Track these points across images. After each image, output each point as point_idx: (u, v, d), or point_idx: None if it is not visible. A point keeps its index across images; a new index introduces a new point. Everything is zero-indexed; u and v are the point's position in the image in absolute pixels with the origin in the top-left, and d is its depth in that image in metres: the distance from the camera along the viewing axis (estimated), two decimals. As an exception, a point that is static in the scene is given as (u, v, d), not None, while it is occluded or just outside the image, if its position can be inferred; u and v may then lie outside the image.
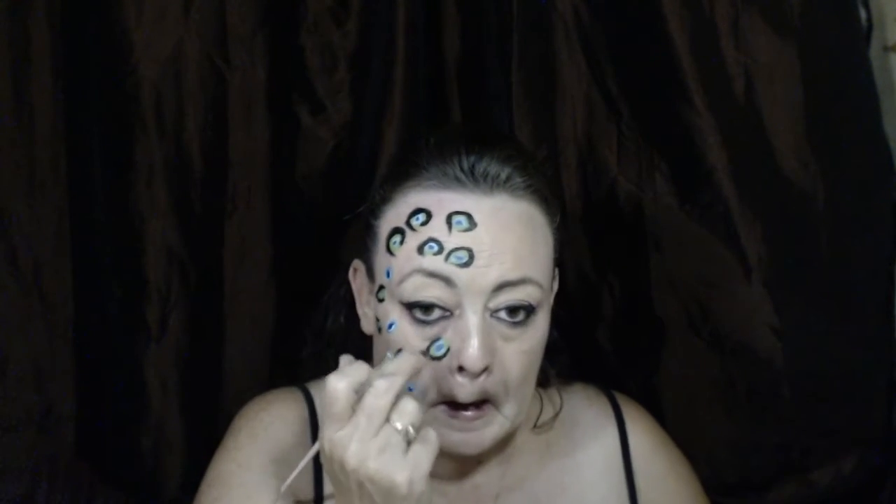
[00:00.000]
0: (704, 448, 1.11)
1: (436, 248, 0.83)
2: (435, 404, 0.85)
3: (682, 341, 1.11)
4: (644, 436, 1.00)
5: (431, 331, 0.84)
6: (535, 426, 0.97)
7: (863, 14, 1.09)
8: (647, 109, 1.09)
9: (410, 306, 0.84)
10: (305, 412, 0.95)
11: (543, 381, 0.98)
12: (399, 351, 0.82)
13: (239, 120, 1.11)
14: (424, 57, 1.11)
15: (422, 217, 0.85)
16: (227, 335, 1.14)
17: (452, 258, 0.83)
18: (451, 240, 0.83)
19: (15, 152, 1.12)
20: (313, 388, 0.97)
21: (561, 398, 1.00)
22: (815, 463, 1.12)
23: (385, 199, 0.89)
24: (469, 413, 0.85)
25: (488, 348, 0.83)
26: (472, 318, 0.83)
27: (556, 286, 0.93)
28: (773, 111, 1.06)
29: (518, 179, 0.87)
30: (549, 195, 0.90)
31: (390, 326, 0.86)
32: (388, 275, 0.86)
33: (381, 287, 0.87)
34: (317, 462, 0.88)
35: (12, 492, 1.14)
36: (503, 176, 0.86)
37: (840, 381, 1.10)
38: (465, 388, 0.83)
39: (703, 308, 1.10)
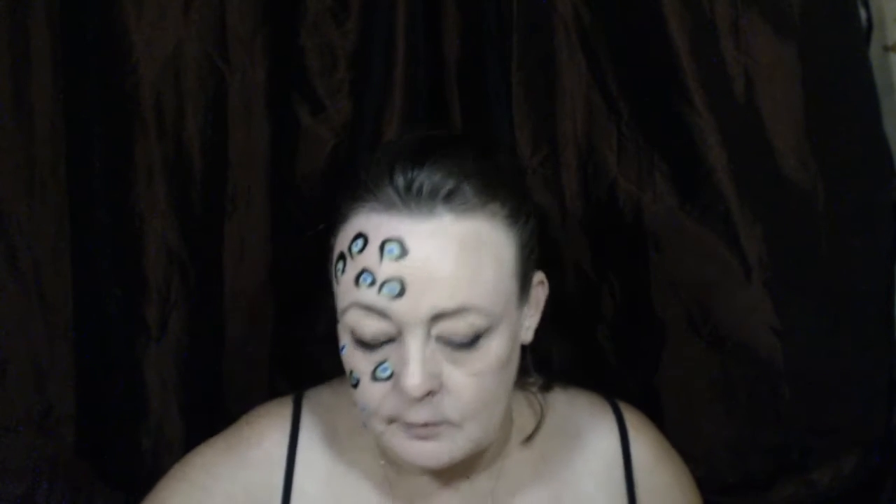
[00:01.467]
0: (704, 448, 1.11)
1: (369, 279, 0.81)
2: (389, 422, 0.84)
3: (682, 341, 1.11)
4: (647, 447, 0.97)
5: (376, 355, 0.83)
6: (527, 440, 0.95)
7: (863, 14, 1.09)
8: (647, 109, 1.09)
9: (353, 334, 0.84)
10: (288, 429, 0.96)
11: (545, 387, 0.97)
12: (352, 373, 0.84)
13: (239, 120, 1.11)
14: (424, 57, 1.11)
15: (360, 243, 0.82)
16: (227, 335, 1.14)
17: (385, 290, 0.80)
18: (383, 270, 0.80)
19: (15, 152, 1.12)
20: (306, 400, 0.98)
21: (551, 408, 0.97)
22: (815, 463, 1.12)
23: (340, 217, 0.86)
24: (421, 428, 0.83)
25: (428, 374, 0.81)
26: (412, 345, 0.81)
27: (544, 291, 0.91)
28: (773, 111, 1.06)
29: (461, 196, 0.82)
30: (513, 201, 0.85)
31: (342, 349, 0.85)
32: (336, 297, 0.85)
33: (336, 305, 0.86)
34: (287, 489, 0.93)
35: (12, 492, 1.14)
36: (442, 193, 0.81)
37: (840, 381, 1.11)
38: (413, 411, 0.82)
39: (703, 308, 1.10)
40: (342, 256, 0.84)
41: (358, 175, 0.86)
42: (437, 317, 0.80)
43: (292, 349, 1.15)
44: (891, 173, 1.11)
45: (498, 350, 0.83)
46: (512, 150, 1.09)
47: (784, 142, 1.06)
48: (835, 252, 1.08)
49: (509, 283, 0.84)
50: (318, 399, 0.98)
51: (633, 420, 0.98)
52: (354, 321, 0.82)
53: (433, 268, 0.80)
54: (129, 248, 1.10)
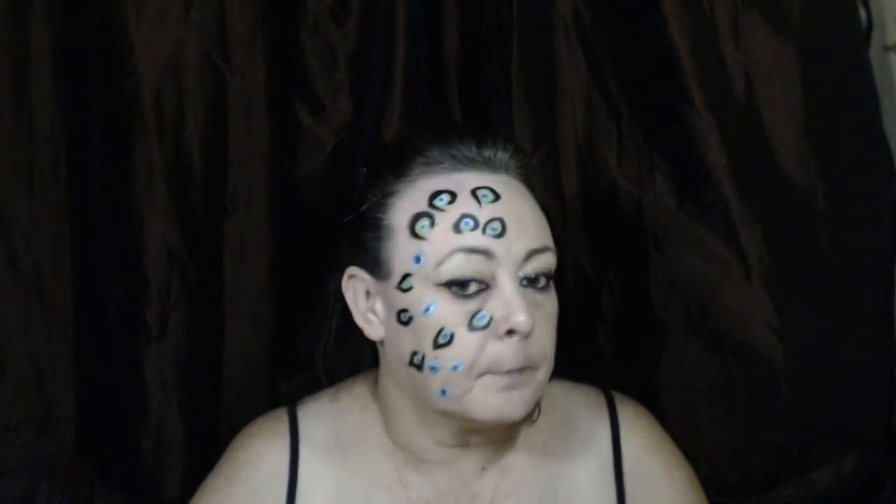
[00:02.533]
0: (704, 448, 1.11)
1: (471, 223, 0.85)
2: (480, 375, 0.85)
3: (682, 341, 1.11)
4: (637, 437, 0.98)
5: (471, 304, 0.85)
6: (533, 420, 0.95)
7: (863, 14, 1.10)
8: (647, 109, 1.09)
9: (449, 284, 0.85)
10: (287, 442, 0.95)
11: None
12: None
13: (239, 120, 1.11)
14: (424, 57, 1.11)
15: (446, 197, 0.86)
16: (227, 335, 1.14)
17: (489, 230, 0.85)
18: (484, 212, 0.85)
19: (15, 152, 1.12)
20: (302, 412, 0.97)
21: (551, 398, 0.97)
22: (815, 463, 1.12)
23: (390, 193, 0.89)
24: (517, 374, 0.86)
25: (530, 311, 0.84)
26: (511, 285, 0.85)
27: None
28: (773, 111, 1.06)
29: (515, 162, 0.90)
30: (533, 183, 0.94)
31: (426, 310, 0.85)
32: (417, 261, 0.86)
33: (406, 276, 0.86)
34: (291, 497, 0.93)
35: (12, 492, 1.14)
36: (504, 159, 0.90)
37: (840, 381, 1.10)
38: (512, 353, 0.84)
39: (703, 308, 1.10)
40: (423, 215, 0.86)
41: (402, 151, 0.90)
42: (530, 255, 0.86)
43: (292, 349, 1.15)
44: (891, 173, 1.11)
45: (554, 297, 0.90)
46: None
47: (784, 142, 1.06)
48: (835, 252, 1.08)
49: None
50: (315, 408, 0.97)
51: (627, 411, 0.99)
52: (456, 265, 0.85)
53: (522, 210, 0.87)
54: (129, 248, 1.10)
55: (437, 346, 0.85)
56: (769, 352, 1.08)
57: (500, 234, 0.85)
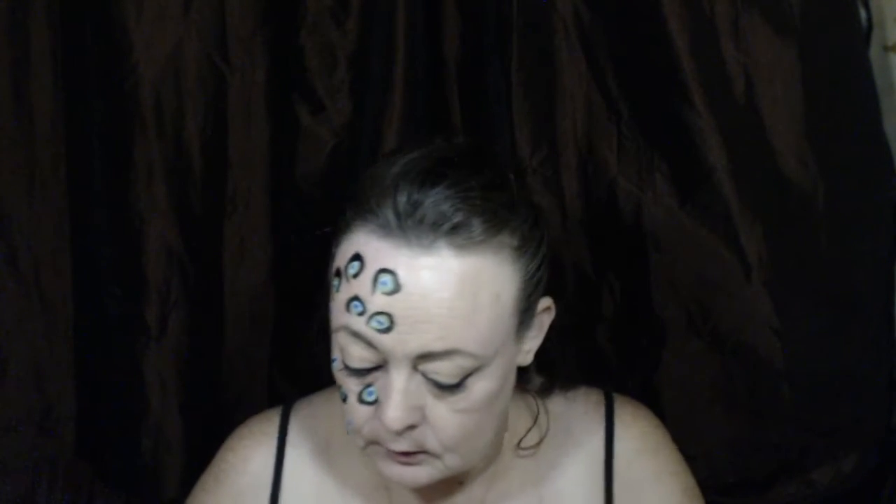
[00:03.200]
0: (704, 448, 1.11)
1: (360, 307, 0.78)
2: (370, 443, 0.83)
3: (682, 341, 1.11)
4: (631, 440, 0.94)
5: (365, 378, 0.81)
6: (519, 446, 0.93)
7: (863, 14, 1.09)
8: (647, 109, 1.09)
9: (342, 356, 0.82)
10: (274, 445, 0.94)
11: (544, 391, 0.96)
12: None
13: (239, 120, 1.11)
14: (424, 57, 1.11)
15: (356, 266, 0.78)
16: (227, 335, 1.14)
17: (373, 322, 0.77)
18: (374, 301, 0.77)
19: (15, 152, 1.12)
20: (295, 412, 0.96)
21: (547, 412, 0.95)
22: (815, 463, 1.12)
23: (343, 226, 0.83)
24: (401, 455, 0.82)
25: (410, 409, 0.79)
26: (396, 378, 0.78)
27: (549, 316, 0.88)
28: (773, 111, 1.06)
29: (467, 230, 0.77)
30: (523, 230, 0.81)
31: (333, 362, 0.83)
32: (330, 311, 0.83)
33: (329, 317, 0.84)
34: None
35: (12, 492, 1.14)
36: (447, 226, 0.77)
37: (840, 381, 1.10)
38: (393, 441, 0.81)
39: (703, 308, 1.10)
40: (339, 273, 0.81)
41: (363, 183, 0.82)
42: (424, 356, 0.78)
43: (292, 349, 1.15)
44: (891, 173, 1.11)
45: (486, 388, 0.81)
46: (512, 150, 1.09)
47: (784, 142, 1.06)
48: (835, 252, 1.08)
49: (507, 322, 0.81)
50: (309, 410, 0.97)
51: (624, 413, 0.95)
52: (343, 344, 0.80)
53: (425, 307, 0.76)
54: (129, 248, 1.10)
55: (341, 397, 0.84)
56: (769, 352, 1.08)
57: (386, 330, 0.77)
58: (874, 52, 1.11)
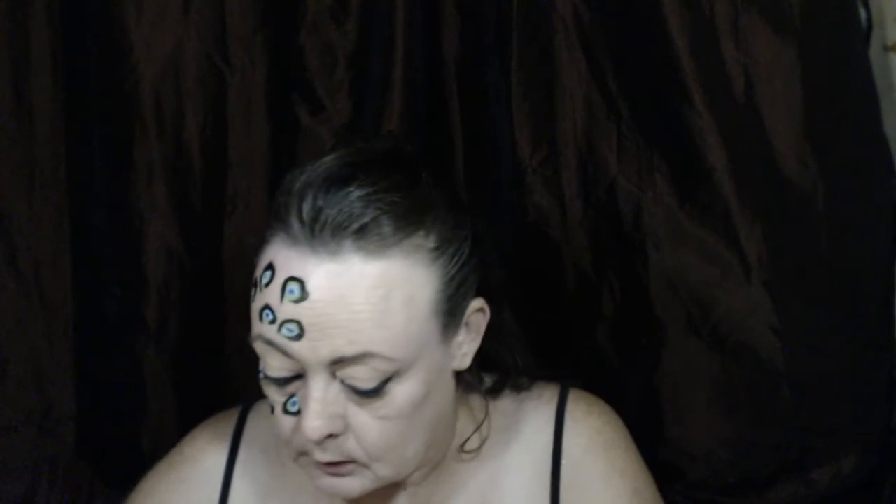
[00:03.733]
0: (704, 448, 1.11)
1: (270, 316, 0.77)
2: (299, 455, 0.82)
3: (682, 341, 1.11)
4: (579, 438, 0.90)
5: (287, 388, 0.80)
6: (462, 449, 0.91)
7: (863, 14, 1.09)
8: (647, 109, 1.09)
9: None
10: (228, 443, 0.95)
11: (493, 392, 0.94)
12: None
13: (239, 120, 1.11)
14: (424, 57, 1.11)
15: (267, 276, 0.78)
16: (227, 335, 1.14)
17: (284, 330, 0.77)
18: (283, 310, 0.77)
19: (15, 152, 1.12)
20: (254, 411, 0.96)
21: (496, 412, 0.92)
22: (815, 463, 1.12)
23: (265, 238, 0.82)
24: (329, 466, 0.81)
25: (329, 417, 0.78)
26: (312, 387, 0.78)
27: (484, 318, 0.86)
28: (773, 111, 1.06)
29: (374, 232, 0.77)
30: (441, 230, 0.80)
31: (259, 372, 0.82)
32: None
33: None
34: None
35: (12, 492, 1.14)
36: (351, 229, 0.76)
37: (840, 381, 1.10)
38: (318, 451, 0.80)
39: (703, 308, 1.10)
40: (255, 283, 0.80)
41: (278, 193, 0.82)
42: (337, 362, 0.77)
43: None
44: (891, 173, 1.11)
45: (408, 394, 0.79)
46: (512, 150, 1.09)
47: (784, 142, 1.06)
48: (835, 252, 1.08)
49: (426, 324, 0.80)
50: (266, 411, 0.92)
51: (576, 410, 0.92)
52: (261, 353, 0.80)
53: (333, 312, 0.76)
54: (129, 248, 1.10)
55: (269, 406, 0.83)
56: (769, 352, 1.08)
57: (297, 338, 0.76)
58: (874, 52, 1.11)
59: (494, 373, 0.95)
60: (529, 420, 0.92)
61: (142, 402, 1.12)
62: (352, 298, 0.76)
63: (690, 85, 1.04)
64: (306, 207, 0.77)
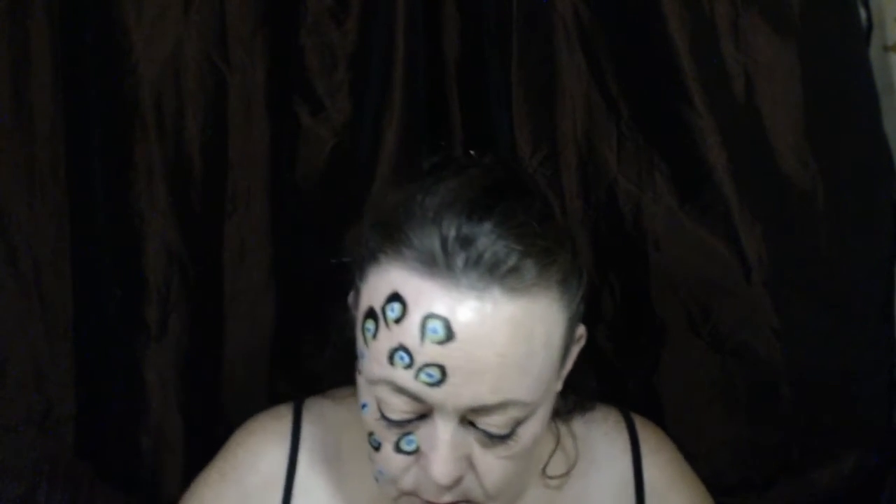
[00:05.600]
0: (704, 448, 1.11)
1: (406, 360, 0.70)
2: (405, 493, 0.77)
3: (682, 341, 1.11)
4: (661, 469, 0.90)
5: (404, 427, 0.75)
6: (543, 472, 0.87)
7: (863, 14, 1.09)
8: (647, 109, 1.09)
9: (378, 406, 0.75)
10: (287, 446, 0.89)
11: (566, 414, 0.92)
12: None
13: (239, 120, 1.11)
14: (424, 57, 1.11)
15: (397, 310, 0.70)
16: (227, 335, 1.14)
17: (422, 375, 0.70)
18: (423, 352, 0.69)
19: (15, 152, 1.12)
20: (307, 412, 0.91)
21: (574, 436, 0.89)
22: (815, 463, 1.12)
23: (371, 257, 0.75)
24: None
25: (459, 461, 0.73)
26: (443, 431, 0.72)
27: (581, 343, 0.84)
28: (773, 111, 1.06)
29: (521, 273, 0.70)
30: (568, 264, 0.75)
31: (364, 406, 0.77)
32: (361, 357, 0.76)
33: (358, 357, 0.77)
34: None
35: (12, 492, 1.14)
36: (503, 269, 0.70)
37: (840, 381, 1.11)
38: (435, 490, 0.75)
39: (703, 308, 1.10)
40: (373, 315, 0.73)
41: (393, 211, 0.74)
42: (479, 409, 0.72)
43: (292, 349, 1.15)
44: (891, 173, 1.11)
45: (533, 433, 0.75)
46: (512, 150, 1.09)
47: (784, 142, 1.06)
48: (835, 252, 1.08)
49: (556, 362, 0.76)
50: (320, 411, 0.92)
51: (649, 439, 0.91)
52: (382, 397, 0.73)
53: (479, 356, 0.69)
54: (129, 248, 1.10)
55: (369, 442, 0.78)
56: (769, 352, 1.08)
57: (437, 384, 0.70)
58: (874, 52, 1.11)
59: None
60: (602, 446, 0.90)
61: (142, 402, 1.12)
62: (498, 339, 0.70)
63: (690, 85, 1.04)
64: (450, 235, 0.70)
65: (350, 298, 0.82)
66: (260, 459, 0.89)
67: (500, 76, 1.10)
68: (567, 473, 0.87)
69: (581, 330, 0.82)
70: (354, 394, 0.84)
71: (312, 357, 1.13)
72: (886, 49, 1.14)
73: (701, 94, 1.04)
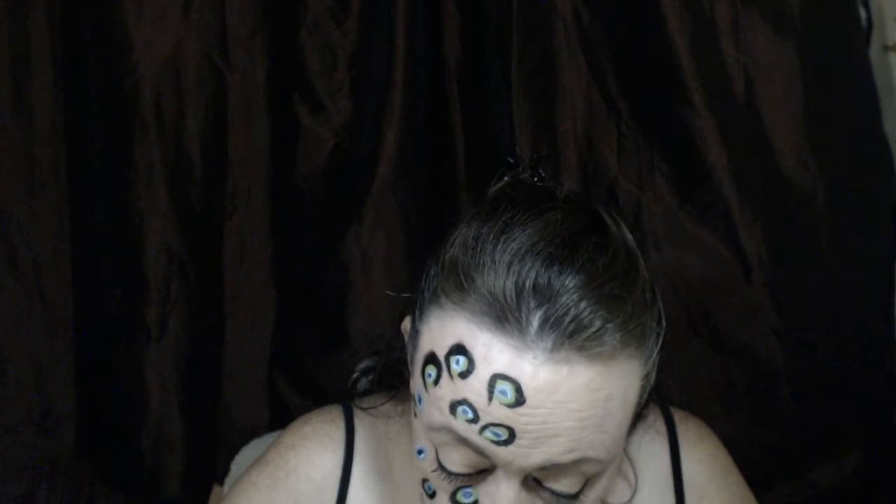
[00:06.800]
0: (704, 448, 1.11)
1: (470, 414, 0.65)
2: None
3: (682, 341, 1.11)
4: (700, 464, 0.84)
5: (463, 479, 0.69)
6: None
7: (863, 14, 1.09)
8: (647, 109, 1.09)
9: (437, 455, 0.70)
10: (341, 454, 0.83)
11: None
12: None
13: (239, 120, 1.11)
14: (424, 57, 1.11)
15: (462, 363, 0.65)
16: (227, 335, 1.14)
17: (488, 433, 0.65)
18: (490, 411, 0.64)
19: (15, 152, 1.12)
20: (359, 420, 0.84)
21: (631, 460, 0.83)
22: (815, 463, 1.12)
23: (433, 297, 0.69)
24: None
25: None
26: (506, 489, 0.67)
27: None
28: (773, 111, 1.06)
29: (601, 339, 0.64)
30: (648, 316, 0.69)
31: (419, 452, 0.71)
32: (419, 401, 0.70)
33: (414, 400, 0.71)
34: None
35: (12, 492, 1.14)
36: (585, 334, 0.63)
37: (840, 381, 1.11)
38: None
39: (703, 308, 1.10)
40: (434, 362, 0.67)
41: (460, 252, 0.68)
42: (546, 468, 0.66)
43: (292, 349, 1.15)
44: (891, 173, 1.11)
45: (603, 486, 0.70)
46: (512, 150, 1.09)
47: (784, 142, 1.06)
48: (835, 252, 1.08)
49: (631, 417, 0.70)
50: (370, 421, 0.84)
51: (688, 433, 0.85)
52: (441, 443, 0.68)
53: (553, 421, 0.64)
54: (129, 248, 1.10)
55: (423, 488, 0.73)
56: (769, 352, 1.08)
57: (504, 443, 0.64)
58: (874, 52, 1.11)
59: None
60: (642, 444, 0.84)
61: (142, 402, 1.12)
62: (574, 405, 0.64)
63: (690, 85, 1.04)
64: (525, 289, 0.64)
65: (405, 324, 0.76)
66: (314, 468, 0.83)
67: (500, 76, 1.10)
68: (630, 500, 0.81)
69: (652, 376, 0.75)
70: (396, 404, 0.82)
71: (312, 357, 1.13)
72: (886, 49, 1.14)
73: (701, 93, 1.04)
